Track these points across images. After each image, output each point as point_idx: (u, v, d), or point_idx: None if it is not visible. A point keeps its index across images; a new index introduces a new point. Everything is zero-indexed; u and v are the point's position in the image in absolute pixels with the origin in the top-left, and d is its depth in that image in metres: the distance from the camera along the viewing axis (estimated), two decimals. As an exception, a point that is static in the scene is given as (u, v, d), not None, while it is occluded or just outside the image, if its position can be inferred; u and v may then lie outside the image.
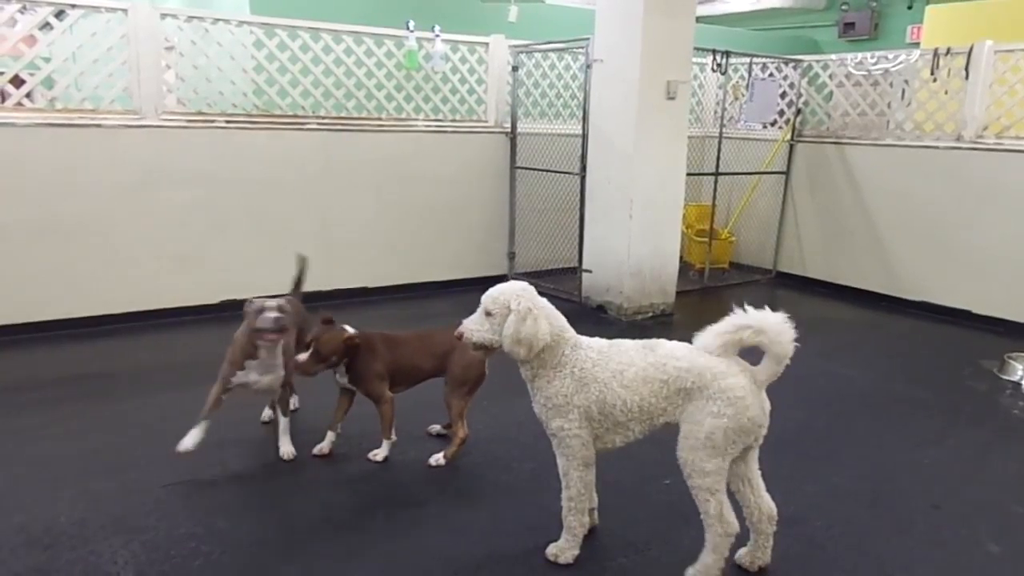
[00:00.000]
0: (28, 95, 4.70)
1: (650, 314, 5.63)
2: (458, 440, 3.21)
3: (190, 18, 4.99)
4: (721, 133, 6.62)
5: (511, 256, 6.57)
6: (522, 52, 6.29)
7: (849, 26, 10.42)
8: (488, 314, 2.40)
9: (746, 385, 2.31)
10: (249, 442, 3.37)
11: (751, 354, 2.38)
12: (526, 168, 6.39)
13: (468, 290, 6.21)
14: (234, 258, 5.30)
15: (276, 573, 2.44)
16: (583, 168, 5.75)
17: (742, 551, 2.56)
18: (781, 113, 7.10)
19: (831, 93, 6.80)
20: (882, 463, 3.40)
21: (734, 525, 2.37)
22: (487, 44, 6.23)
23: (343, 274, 5.76)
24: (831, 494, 3.07)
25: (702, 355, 2.36)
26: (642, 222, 5.44)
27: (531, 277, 6.39)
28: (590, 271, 5.78)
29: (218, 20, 5.08)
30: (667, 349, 2.39)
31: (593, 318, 5.57)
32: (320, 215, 5.65)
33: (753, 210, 7.23)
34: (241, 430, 3.44)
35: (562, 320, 2.44)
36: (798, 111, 6.90)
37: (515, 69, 6.28)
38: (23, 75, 4.71)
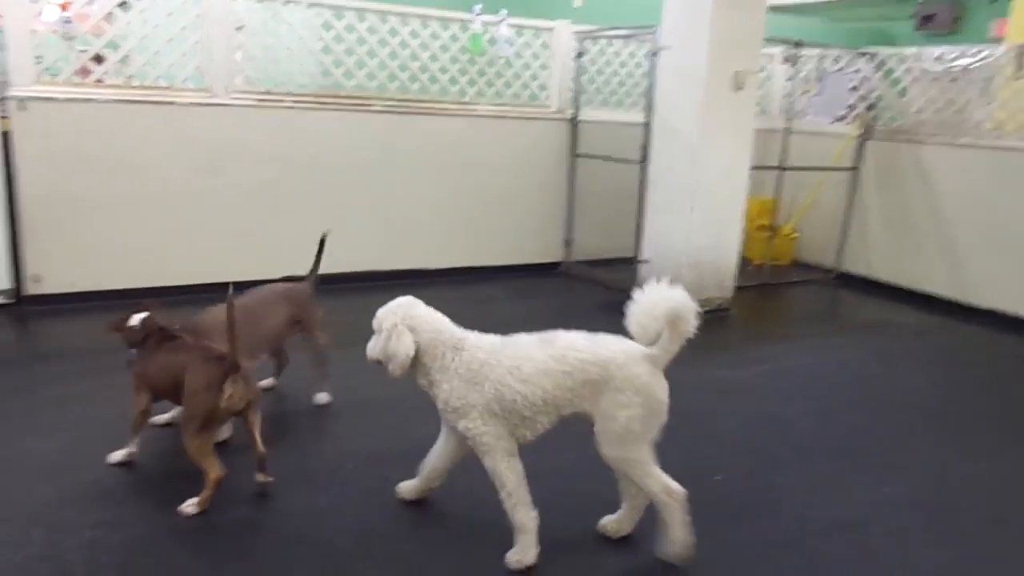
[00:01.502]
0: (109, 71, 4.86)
1: (706, 308, 5.52)
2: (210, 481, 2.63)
3: (262, -2, 5.09)
4: (788, 127, 6.47)
5: (567, 243, 6.55)
6: (587, 38, 6.25)
7: (928, 19, 10.02)
8: (377, 332, 2.43)
9: (649, 370, 2.35)
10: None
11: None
12: (586, 155, 6.35)
13: (523, 276, 6.28)
14: (296, 236, 5.37)
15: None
16: (644, 157, 5.69)
17: (609, 519, 2.62)
18: (851, 108, 6.89)
19: (906, 88, 6.58)
20: (942, 474, 3.30)
21: (679, 489, 2.42)
22: (552, 29, 6.20)
23: (401, 255, 5.83)
24: (887, 502, 3.01)
25: (601, 345, 2.38)
26: (703, 214, 5.37)
27: (587, 265, 6.37)
28: (647, 261, 5.73)
29: (288, 1, 5.17)
30: (566, 341, 2.40)
31: (648, 310, 5.52)
32: (381, 196, 5.72)
33: (817, 206, 7.06)
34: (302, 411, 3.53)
35: (439, 325, 2.43)
36: (870, 106, 6.70)
37: (579, 55, 6.23)
38: (103, 53, 4.86)
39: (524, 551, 2.44)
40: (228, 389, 2.54)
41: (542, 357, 2.36)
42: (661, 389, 2.37)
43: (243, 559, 2.41)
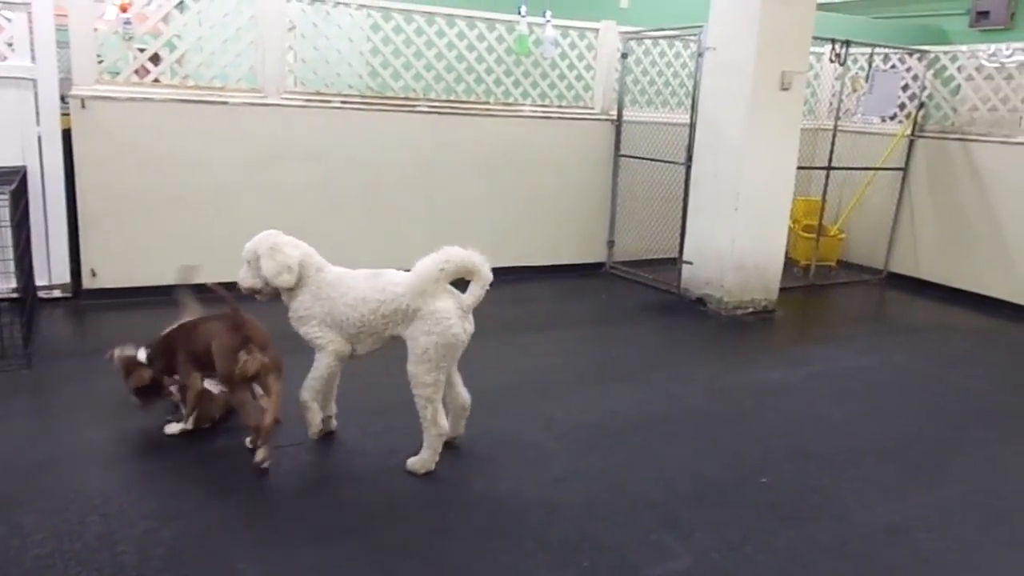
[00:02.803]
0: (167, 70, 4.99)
1: (751, 310, 5.50)
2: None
3: (313, 1, 5.18)
4: (836, 126, 6.37)
5: (610, 244, 6.54)
6: (632, 39, 6.23)
7: (982, 15, 9.78)
8: (248, 263, 2.97)
9: (451, 308, 2.80)
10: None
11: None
12: (630, 156, 6.34)
13: (566, 277, 6.29)
14: (344, 234, 5.50)
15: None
16: (689, 158, 5.66)
17: None
18: (902, 107, 6.76)
19: (959, 86, 6.44)
20: (996, 478, 3.23)
21: (445, 427, 2.91)
22: (597, 30, 6.20)
23: (445, 254, 5.88)
24: (940, 506, 2.95)
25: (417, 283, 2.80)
26: (748, 216, 5.32)
27: (630, 266, 6.36)
28: (690, 263, 5.70)
29: (339, 3, 5.25)
30: (388, 277, 2.89)
31: (691, 311, 5.50)
32: (426, 196, 5.78)
33: (866, 207, 6.93)
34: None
35: (309, 248, 3.00)
36: (921, 105, 6.57)
37: (624, 56, 6.22)
38: (160, 53, 4.99)
39: (310, 425, 3.05)
40: (243, 357, 2.82)
41: (365, 287, 2.89)
42: (459, 326, 2.81)
43: (290, 558, 2.46)
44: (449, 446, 3.08)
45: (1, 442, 3.04)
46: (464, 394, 3.11)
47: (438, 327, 2.77)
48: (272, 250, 2.92)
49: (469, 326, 2.88)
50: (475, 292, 2.83)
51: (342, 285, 2.93)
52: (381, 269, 2.97)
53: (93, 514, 2.57)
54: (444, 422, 2.91)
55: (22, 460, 2.90)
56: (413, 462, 2.94)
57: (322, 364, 2.98)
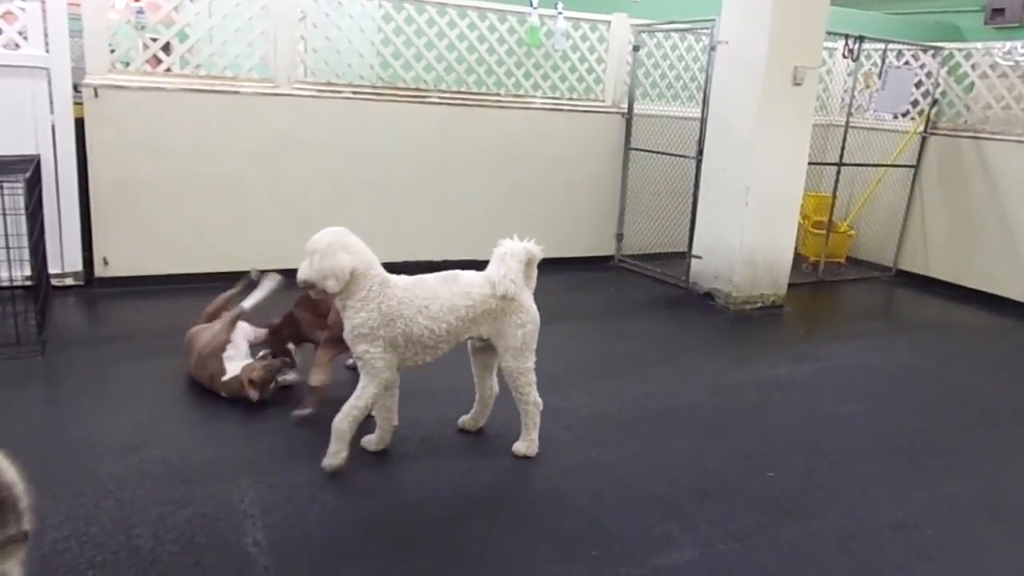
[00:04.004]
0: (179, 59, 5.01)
1: (759, 304, 5.51)
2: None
3: (324, -9, 5.19)
4: (848, 122, 6.35)
5: (619, 237, 6.55)
6: (644, 32, 6.22)
7: (998, 12, 9.70)
8: (310, 255, 2.74)
9: (529, 296, 2.98)
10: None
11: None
12: (640, 150, 6.33)
13: (575, 269, 6.29)
14: (354, 225, 5.41)
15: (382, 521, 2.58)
16: (699, 152, 5.65)
17: (465, 418, 3.23)
18: (915, 104, 6.73)
19: (972, 84, 6.40)
20: (1002, 476, 3.24)
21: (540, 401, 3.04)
22: (609, 22, 6.19)
23: (455, 246, 5.88)
24: (945, 504, 2.96)
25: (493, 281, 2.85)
26: (758, 211, 5.31)
27: (639, 259, 6.36)
28: (699, 257, 5.70)
29: (349, -7, 5.26)
30: (466, 279, 2.87)
31: (699, 305, 5.50)
32: (436, 187, 5.79)
33: (876, 204, 6.92)
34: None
35: (371, 257, 2.77)
36: (934, 102, 6.54)
37: (636, 49, 6.21)
38: (172, 43, 5.01)
39: (334, 454, 2.81)
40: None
41: (448, 295, 2.81)
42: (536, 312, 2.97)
43: (302, 543, 2.49)
44: (467, 434, 3.18)
45: (16, 427, 3.09)
46: (495, 384, 3.17)
47: (528, 316, 2.92)
48: (328, 249, 2.71)
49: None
50: (533, 277, 3.02)
51: (418, 299, 2.77)
52: (448, 272, 2.93)
53: (108, 499, 2.61)
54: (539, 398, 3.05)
55: (37, 445, 2.93)
56: (520, 447, 3.05)
57: (370, 392, 2.78)
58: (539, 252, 2.99)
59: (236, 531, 2.49)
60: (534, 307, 2.98)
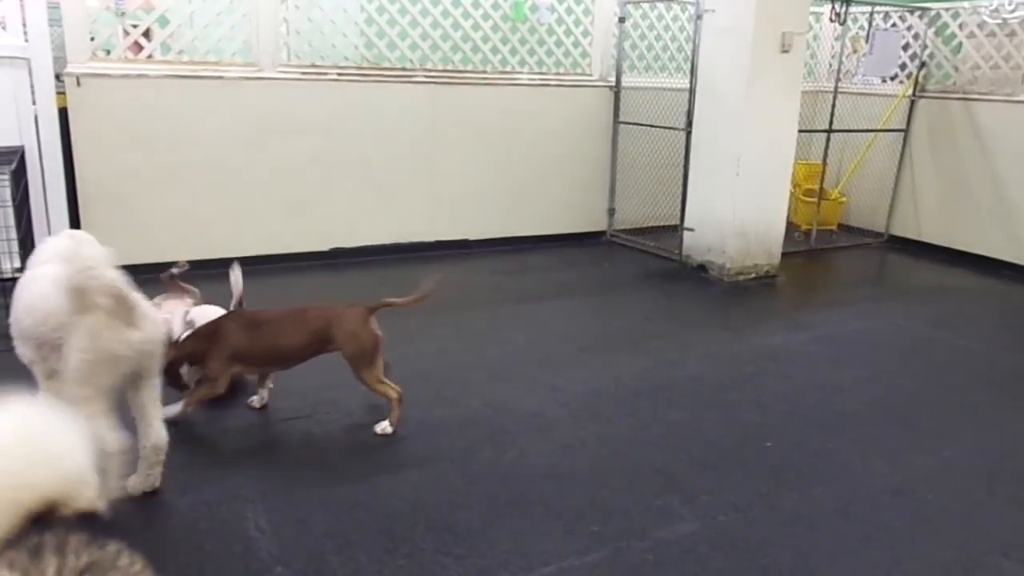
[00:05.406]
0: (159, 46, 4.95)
1: (752, 275, 5.51)
2: (394, 403, 3.06)
3: (305, -29, 5.11)
4: (836, 88, 6.32)
5: (611, 212, 6.52)
6: (630, 2, 6.15)
7: (984, -28, 9.65)
8: None
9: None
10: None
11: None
12: (629, 123, 6.29)
13: (566, 246, 6.28)
14: (343, 207, 5.49)
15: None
16: (689, 124, 5.62)
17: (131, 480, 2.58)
18: (903, 67, 6.70)
19: (960, 44, 6.37)
20: (999, 439, 3.26)
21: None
22: (594, -5, 6.13)
23: (445, 226, 5.87)
24: (942, 468, 2.99)
25: None
26: (749, 181, 5.30)
27: (631, 234, 6.35)
28: (692, 229, 5.69)
29: (331, -27, 5.19)
30: None
31: (693, 277, 5.51)
32: (425, 167, 5.75)
33: (866, 169, 6.91)
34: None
35: None
36: (922, 64, 6.51)
37: (622, 20, 6.15)
38: (154, 28, 4.94)
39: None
40: None
41: None
42: None
43: (302, 527, 2.50)
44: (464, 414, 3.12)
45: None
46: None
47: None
48: None
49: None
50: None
51: None
52: None
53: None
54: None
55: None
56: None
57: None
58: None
59: (238, 516, 2.49)
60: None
